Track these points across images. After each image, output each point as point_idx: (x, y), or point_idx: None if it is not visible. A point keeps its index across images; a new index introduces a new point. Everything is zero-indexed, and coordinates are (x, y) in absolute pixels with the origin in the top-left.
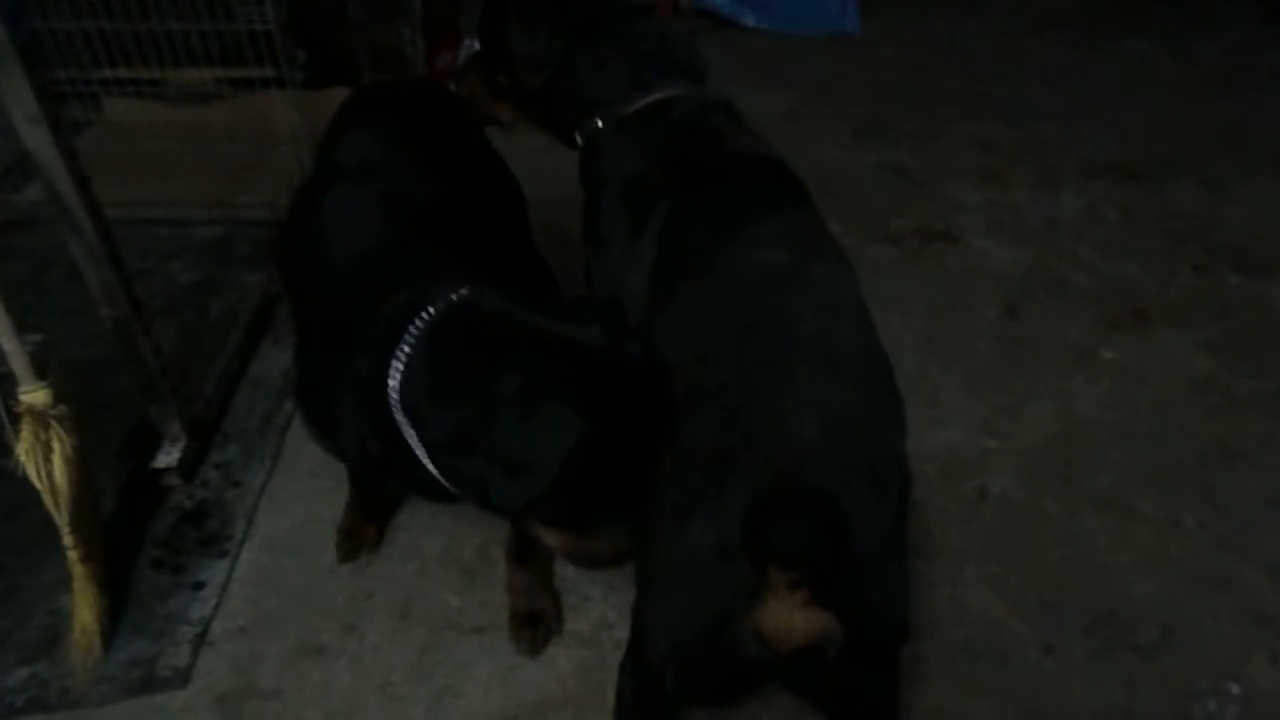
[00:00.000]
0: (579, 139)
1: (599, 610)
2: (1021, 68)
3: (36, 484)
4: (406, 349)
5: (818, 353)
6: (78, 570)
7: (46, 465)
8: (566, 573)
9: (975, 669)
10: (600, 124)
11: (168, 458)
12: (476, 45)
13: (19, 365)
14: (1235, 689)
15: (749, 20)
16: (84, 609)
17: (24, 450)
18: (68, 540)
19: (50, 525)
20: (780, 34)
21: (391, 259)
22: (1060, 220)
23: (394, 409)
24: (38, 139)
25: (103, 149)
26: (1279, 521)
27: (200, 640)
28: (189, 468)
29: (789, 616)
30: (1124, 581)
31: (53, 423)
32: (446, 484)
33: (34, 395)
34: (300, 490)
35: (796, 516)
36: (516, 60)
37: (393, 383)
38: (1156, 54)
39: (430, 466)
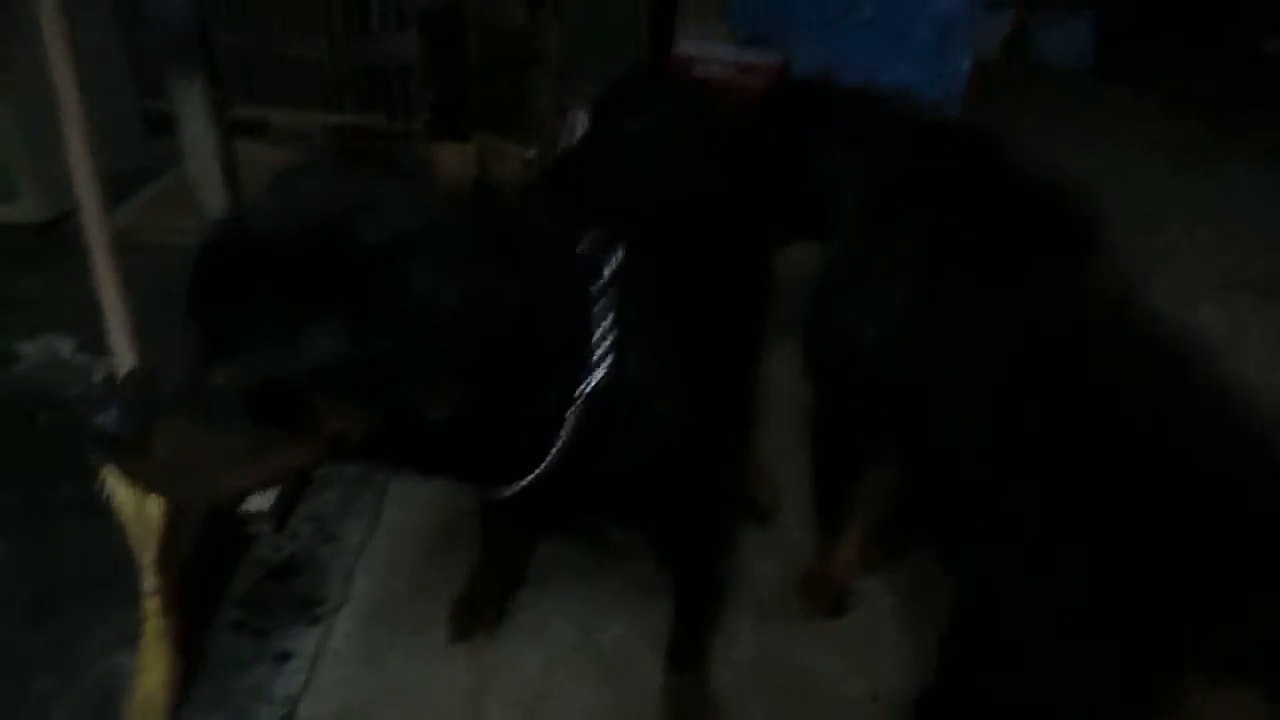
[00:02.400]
0: None
1: None
2: (1135, 186)
3: (123, 512)
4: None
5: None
6: (153, 624)
7: (139, 491)
8: (723, 676)
9: None
10: None
11: (260, 500)
12: (585, 114)
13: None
14: None
15: None
16: (153, 671)
17: (115, 474)
18: (150, 585)
19: (117, 570)
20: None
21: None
22: (1209, 333)
23: None
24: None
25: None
26: None
27: None
28: (281, 516)
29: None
30: None
31: None
32: None
33: None
34: (404, 553)
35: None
36: None
37: None
38: (1259, 176)
39: None
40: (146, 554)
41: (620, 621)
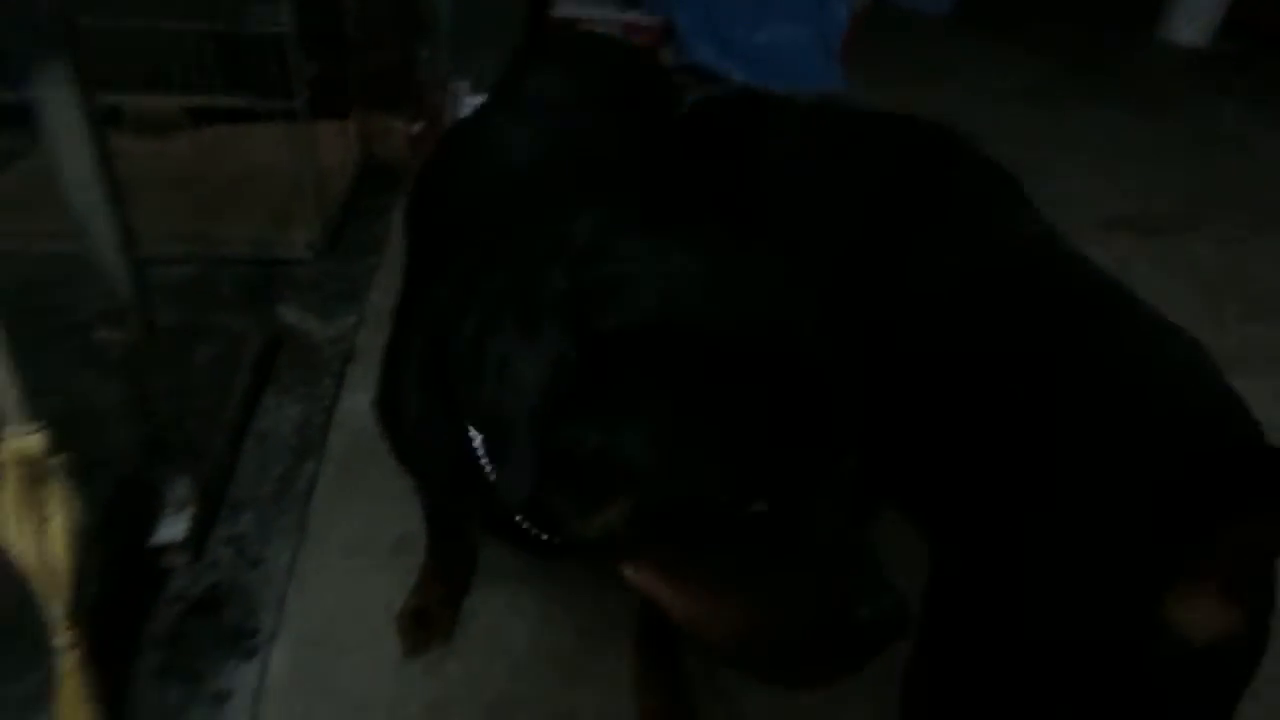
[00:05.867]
0: None
1: (739, 705)
2: (1008, 131)
3: (23, 561)
4: None
5: (1125, 307)
6: (71, 680)
7: (39, 535)
8: (690, 661)
9: None
10: None
11: (172, 529)
12: (467, 89)
13: (7, 399)
14: None
15: (737, 75)
16: None
17: (9, 515)
18: (63, 639)
19: (16, 618)
20: (766, 90)
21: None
22: None
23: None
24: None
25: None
26: None
27: None
28: (197, 543)
29: (1203, 608)
30: None
31: (51, 478)
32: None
33: (25, 440)
34: (337, 571)
35: (1234, 483)
36: None
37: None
38: (1128, 120)
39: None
40: (56, 606)
41: (577, 617)
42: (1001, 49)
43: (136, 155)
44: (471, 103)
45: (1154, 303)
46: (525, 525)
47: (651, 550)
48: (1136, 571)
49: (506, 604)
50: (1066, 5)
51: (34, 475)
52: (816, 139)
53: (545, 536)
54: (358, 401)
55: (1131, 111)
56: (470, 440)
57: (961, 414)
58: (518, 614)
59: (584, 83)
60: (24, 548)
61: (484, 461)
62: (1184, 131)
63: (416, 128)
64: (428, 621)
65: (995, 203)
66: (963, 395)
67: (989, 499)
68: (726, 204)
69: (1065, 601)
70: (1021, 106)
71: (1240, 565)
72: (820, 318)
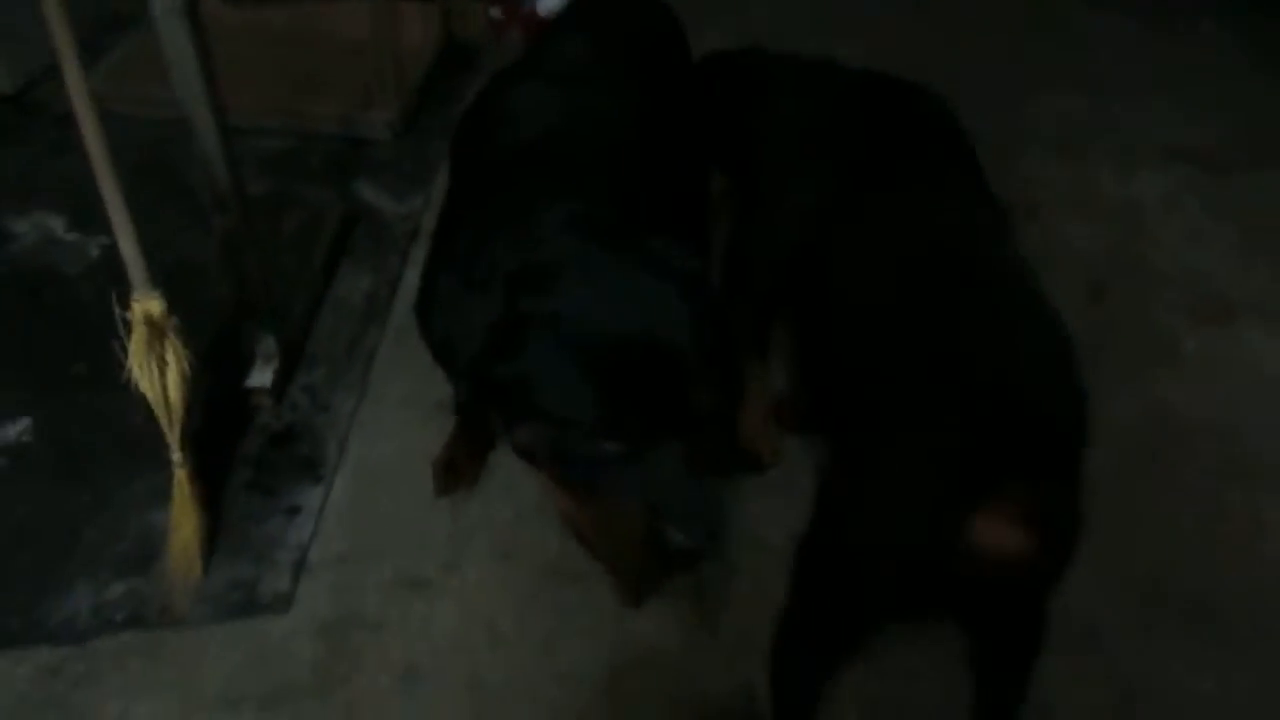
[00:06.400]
0: None
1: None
2: (1095, 41)
3: (149, 396)
4: None
5: (1001, 280)
6: (181, 487)
7: (160, 378)
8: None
9: (1073, 654)
10: None
11: (261, 377)
12: None
13: (136, 270)
14: None
15: None
16: (185, 526)
17: (138, 362)
18: (177, 456)
19: (139, 436)
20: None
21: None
22: (1143, 203)
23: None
24: (176, 31)
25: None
26: None
27: (299, 566)
28: (280, 389)
29: (1002, 532)
30: (1216, 575)
31: (169, 334)
32: None
33: (150, 303)
34: (391, 420)
35: (1032, 433)
36: None
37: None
38: (1228, 36)
39: None
40: (171, 431)
41: None
42: None
43: (235, 25)
44: None
45: (1188, 241)
46: None
47: (548, 462)
48: (953, 502)
49: (516, 468)
50: None
51: (154, 331)
52: (810, 96)
53: None
54: (418, 278)
55: (1239, 23)
56: None
57: (860, 361)
58: (528, 472)
59: (607, 47)
60: (148, 386)
61: None
62: None
63: (495, 11)
64: (456, 470)
65: (947, 177)
66: (867, 345)
67: (860, 428)
68: (730, 152)
69: (897, 516)
70: (1118, 15)
71: (1029, 506)
72: (696, 327)
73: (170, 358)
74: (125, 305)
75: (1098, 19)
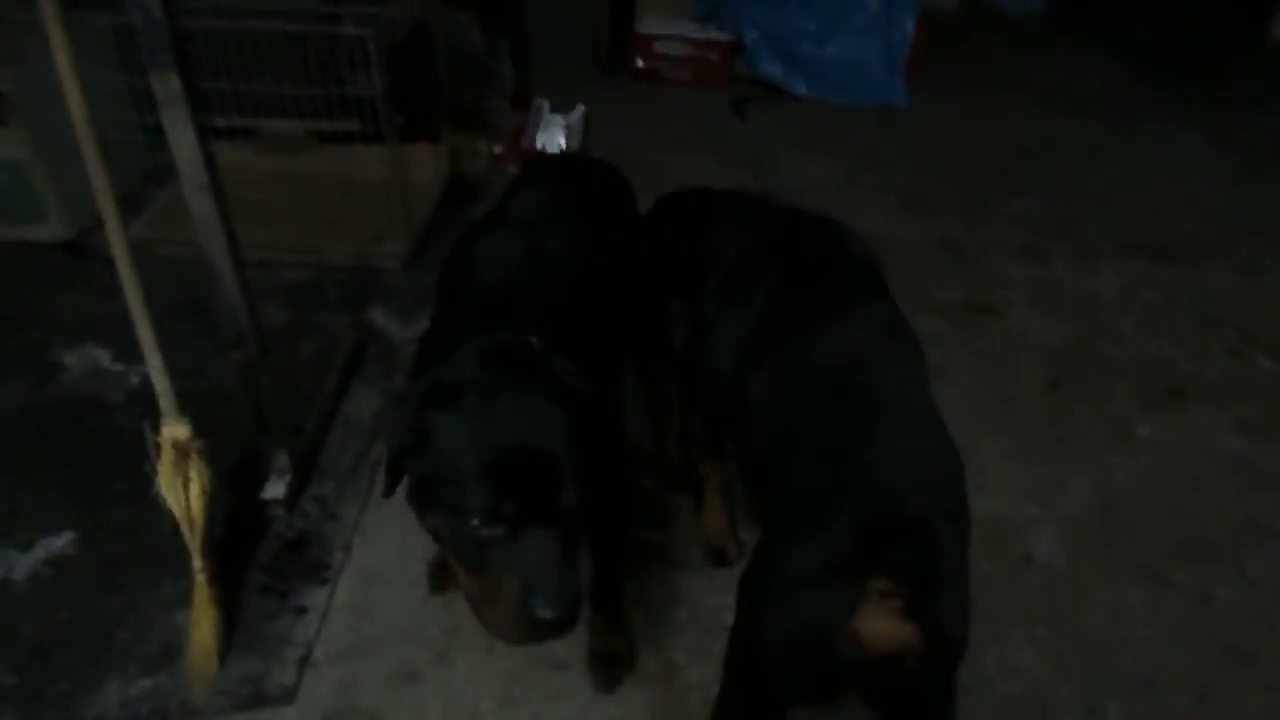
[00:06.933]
0: None
1: (666, 653)
2: (1058, 146)
3: (175, 511)
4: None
5: (897, 409)
6: (201, 592)
7: (184, 495)
8: (636, 615)
9: None
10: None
11: (275, 489)
12: (547, 108)
13: (166, 400)
14: None
15: (801, 89)
16: (203, 627)
17: (165, 480)
18: (198, 564)
19: (167, 546)
20: (830, 104)
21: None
22: (1100, 297)
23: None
24: (202, 204)
25: None
26: None
27: (304, 661)
28: (292, 500)
29: (883, 624)
30: (1161, 650)
31: (193, 455)
32: None
33: (177, 429)
34: (392, 526)
35: (906, 537)
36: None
37: None
38: (1189, 135)
39: None
40: (193, 541)
41: None
42: (1086, 54)
43: (265, 170)
44: (551, 119)
45: (1143, 331)
46: None
47: (446, 541)
48: (839, 596)
49: None
50: (1174, 2)
51: (180, 453)
52: (738, 231)
53: None
54: None
55: (1205, 124)
56: None
57: (776, 473)
58: None
59: (561, 200)
60: (174, 502)
61: None
62: (1260, 148)
63: (497, 147)
64: (448, 569)
65: (856, 307)
66: (782, 461)
67: (769, 531)
68: (680, 279)
69: (791, 609)
70: (1087, 118)
71: (908, 601)
72: (569, 437)
73: (194, 475)
74: (157, 430)
75: (1062, 125)
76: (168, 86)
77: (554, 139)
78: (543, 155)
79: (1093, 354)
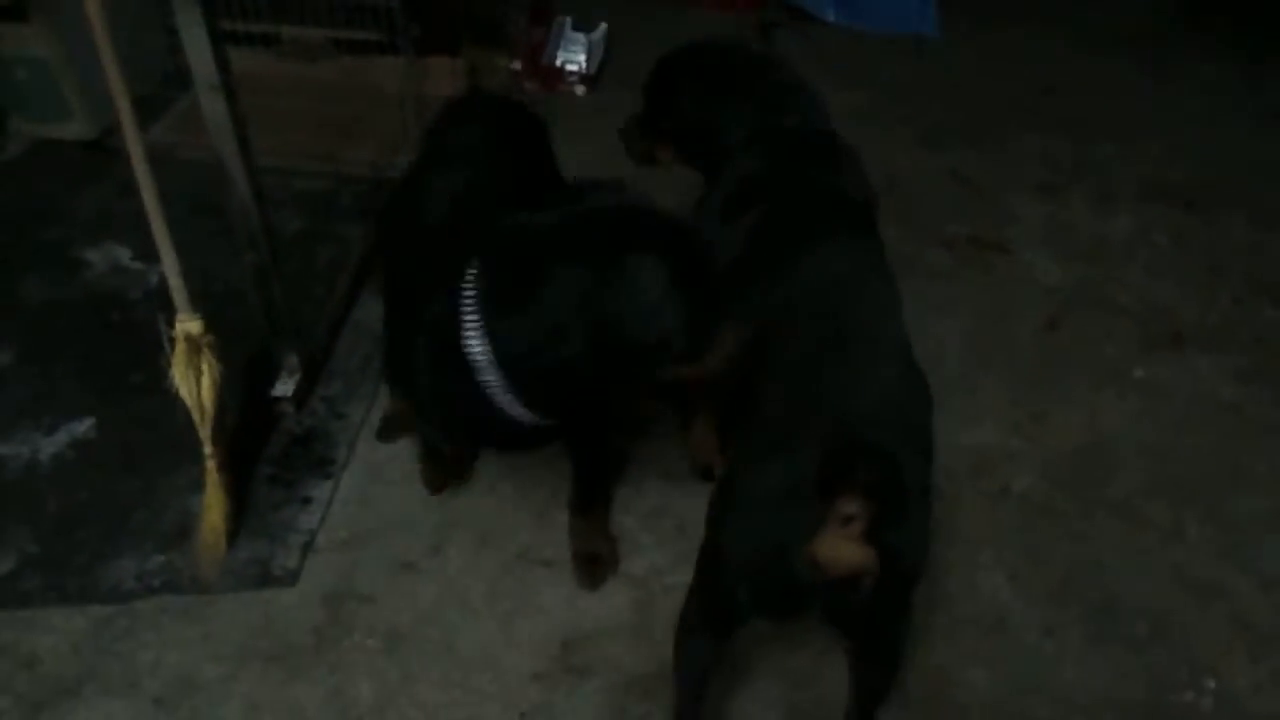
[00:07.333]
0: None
1: (651, 557)
2: (1091, 83)
3: (187, 401)
4: (473, 283)
5: (871, 346)
6: (212, 477)
7: (196, 386)
8: (626, 521)
9: (979, 641)
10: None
11: (284, 387)
12: (569, 25)
13: (179, 296)
14: (1212, 684)
15: (830, 16)
16: (214, 511)
17: (178, 372)
18: (208, 450)
19: (182, 435)
20: (860, 32)
21: (462, 228)
22: (1111, 240)
23: (472, 346)
24: (214, 104)
25: None
26: (1277, 541)
27: (308, 547)
28: (300, 398)
29: (841, 548)
30: (1125, 580)
31: (204, 349)
32: (526, 415)
33: (189, 324)
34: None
35: (869, 461)
36: (687, 119)
37: (470, 319)
38: (1224, 78)
39: (510, 405)
40: (204, 430)
41: (549, 479)
42: None
43: (284, 78)
44: (573, 36)
45: (1151, 275)
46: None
47: None
48: (795, 519)
49: (501, 467)
50: None
51: (193, 347)
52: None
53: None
54: None
55: (1244, 69)
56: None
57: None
58: (509, 475)
59: (487, 137)
60: (186, 393)
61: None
62: None
63: (516, 63)
64: (443, 472)
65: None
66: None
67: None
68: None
69: (751, 529)
70: (1121, 56)
71: (865, 525)
72: None
73: (205, 368)
74: (171, 324)
75: (1095, 62)
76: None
77: (575, 56)
78: (456, 101)
79: (1097, 296)
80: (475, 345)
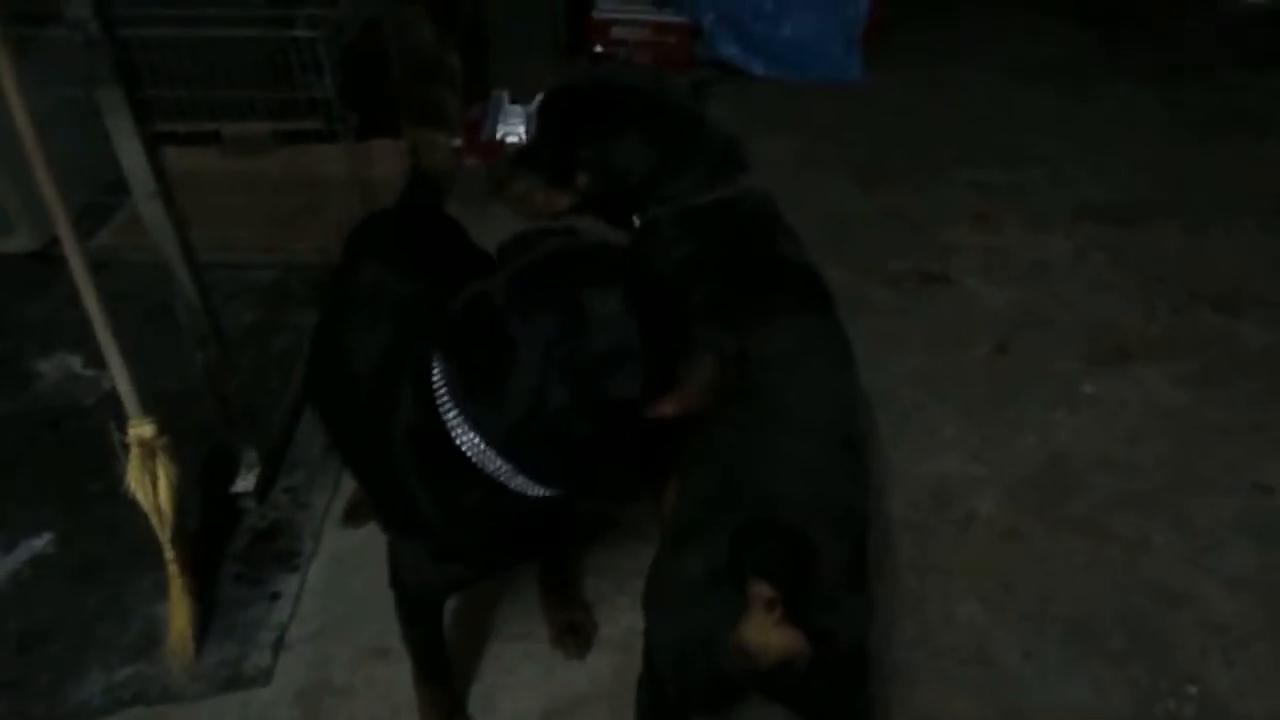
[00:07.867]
0: (636, 223)
1: (629, 619)
2: (1015, 113)
3: (144, 506)
4: (441, 378)
5: (802, 428)
6: (175, 582)
7: (153, 490)
8: (602, 585)
9: (961, 673)
10: (661, 214)
11: (245, 483)
12: (506, 99)
13: (130, 401)
14: (1193, 690)
15: (758, 69)
16: (179, 616)
17: (134, 478)
18: (169, 555)
19: (143, 541)
20: (788, 82)
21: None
22: (1049, 261)
23: (465, 439)
24: (154, 212)
25: None
26: (1241, 542)
27: (279, 644)
28: (263, 491)
29: (765, 634)
30: (1097, 595)
31: (159, 452)
32: (544, 490)
33: (142, 428)
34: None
35: (769, 541)
36: (593, 166)
37: (451, 415)
38: (1144, 98)
39: (527, 487)
40: (164, 534)
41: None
42: (1043, 19)
43: (228, 173)
44: (511, 109)
45: (1090, 292)
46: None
47: None
48: (712, 609)
49: None
50: None
51: (147, 451)
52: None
53: None
54: None
55: (1155, 86)
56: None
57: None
58: None
59: (399, 256)
60: (143, 497)
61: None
62: (1204, 107)
63: (456, 141)
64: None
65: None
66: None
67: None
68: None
69: (677, 622)
70: (1043, 85)
71: (780, 605)
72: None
73: (161, 472)
74: (124, 430)
75: (1019, 92)
76: (111, 98)
77: (514, 129)
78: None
79: (1040, 317)
80: (468, 437)
